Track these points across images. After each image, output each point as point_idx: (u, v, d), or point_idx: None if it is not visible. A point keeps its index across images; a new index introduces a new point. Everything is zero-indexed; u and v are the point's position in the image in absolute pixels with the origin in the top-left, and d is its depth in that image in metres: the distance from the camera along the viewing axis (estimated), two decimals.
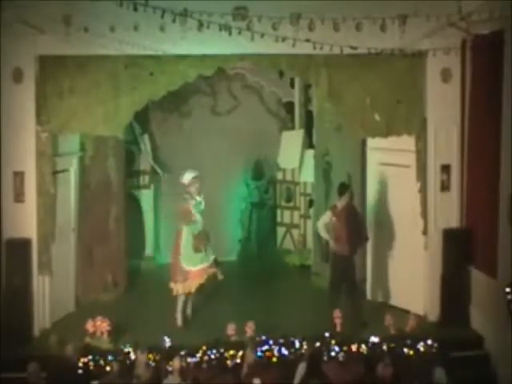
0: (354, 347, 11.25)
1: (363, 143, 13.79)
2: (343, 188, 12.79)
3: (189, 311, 12.94)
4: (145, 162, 16.06)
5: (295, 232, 16.44)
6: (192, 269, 12.63)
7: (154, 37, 11.81)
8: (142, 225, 16.09)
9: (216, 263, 12.84)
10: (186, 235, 12.69)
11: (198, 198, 12.79)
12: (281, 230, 16.63)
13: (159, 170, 16.15)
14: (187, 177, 12.83)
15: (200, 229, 12.71)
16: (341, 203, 12.68)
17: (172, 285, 12.72)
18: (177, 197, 16.39)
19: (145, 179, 16.12)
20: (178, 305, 12.75)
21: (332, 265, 12.85)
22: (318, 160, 15.17)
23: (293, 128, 16.78)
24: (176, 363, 10.59)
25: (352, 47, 11.50)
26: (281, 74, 15.87)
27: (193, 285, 12.64)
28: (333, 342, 11.25)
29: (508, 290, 10.42)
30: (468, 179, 12.75)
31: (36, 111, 12.18)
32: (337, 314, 11.96)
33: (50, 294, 12.60)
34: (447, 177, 12.80)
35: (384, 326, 11.77)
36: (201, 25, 11.03)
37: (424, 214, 12.79)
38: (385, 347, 11.26)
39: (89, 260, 13.97)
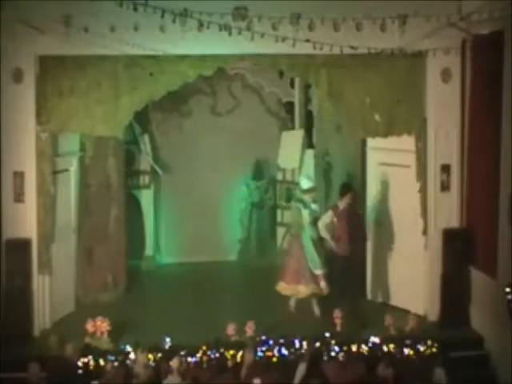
0: (354, 347, 11.24)
1: (363, 143, 13.80)
2: (346, 188, 12.80)
3: (317, 310, 12.93)
4: (145, 162, 16.05)
5: None
6: (318, 272, 12.76)
7: (153, 37, 11.81)
8: (142, 225, 16.07)
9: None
10: (306, 240, 12.83)
11: (313, 206, 12.91)
12: (281, 230, 16.61)
13: (159, 170, 16.14)
14: (306, 184, 12.99)
15: (316, 234, 12.87)
16: (342, 203, 12.69)
17: (285, 286, 12.88)
18: (178, 196, 16.51)
19: (145, 179, 16.11)
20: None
21: (332, 265, 12.85)
22: (318, 160, 15.17)
23: (293, 128, 16.77)
24: (176, 363, 10.59)
25: (352, 47, 11.49)
26: (281, 74, 15.86)
27: (317, 288, 12.78)
28: (333, 342, 11.25)
29: (508, 289, 10.40)
30: (468, 179, 12.74)
31: (36, 111, 12.19)
32: (337, 313, 11.96)
33: (50, 294, 12.60)
34: (447, 177, 12.80)
35: (384, 326, 11.77)
36: (201, 25, 11.02)
37: (424, 214, 12.78)
38: (385, 347, 11.25)
39: (89, 260, 13.96)
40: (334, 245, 12.61)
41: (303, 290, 12.81)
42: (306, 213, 12.88)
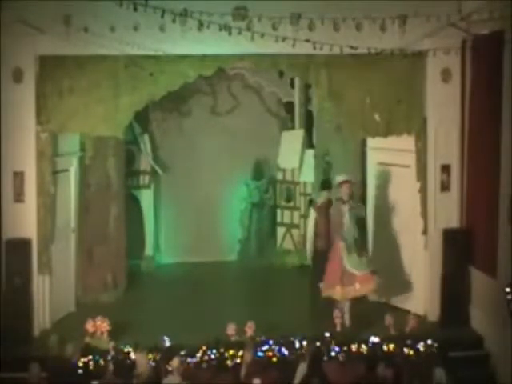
0: (354, 347, 11.25)
1: (363, 143, 13.80)
2: (323, 184, 12.85)
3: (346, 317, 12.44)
4: (145, 162, 16.05)
5: (295, 232, 16.44)
6: (357, 272, 12.40)
7: (153, 37, 11.83)
8: (142, 225, 16.08)
9: (375, 272, 12.50)
10: (348, 239, 12.48)
11: (352, 203, 12.42)
12: (281, 230, 16.62)
13: (159, 170, 16.15)
14: (338, 178, 12.59)
15: (357, 234, 12.43)
16: (321, 199, 12.74)
17: (326, 289, 12.35)
18: (178, 196, 16.48)
19: (145, 179, 16.12)
20: (345, 306, 12.38)
21: (313, 261, 12.88)
22: (318, 160, 15.18)
23: (293, 128, 16.78)
24: (176, 363, 10.60)
25: (352, 47, 11.48)
26: (281, 74, 15.88)
27: (357, 290, 12.40)
28: (333, 342, 11.25)
29: (508, 289, 10.41)
30: (468, 179, 12.74)
31: (36, 111, 12.20)
32: (337, 313, 11.97)
33: (50, 294, 12.60)
34: (447, 177, 12.80)
35: (384, 326, 11.77)
36: (201, 25, 11.03)
37: (424, 214, 12.79)
38: (385, 347, 11.26)
39: (89, 260, 13.97)
40: (315, 240, 12.67)
41: (339, 292, 12.31)
42: (343, 209, 12.43)
